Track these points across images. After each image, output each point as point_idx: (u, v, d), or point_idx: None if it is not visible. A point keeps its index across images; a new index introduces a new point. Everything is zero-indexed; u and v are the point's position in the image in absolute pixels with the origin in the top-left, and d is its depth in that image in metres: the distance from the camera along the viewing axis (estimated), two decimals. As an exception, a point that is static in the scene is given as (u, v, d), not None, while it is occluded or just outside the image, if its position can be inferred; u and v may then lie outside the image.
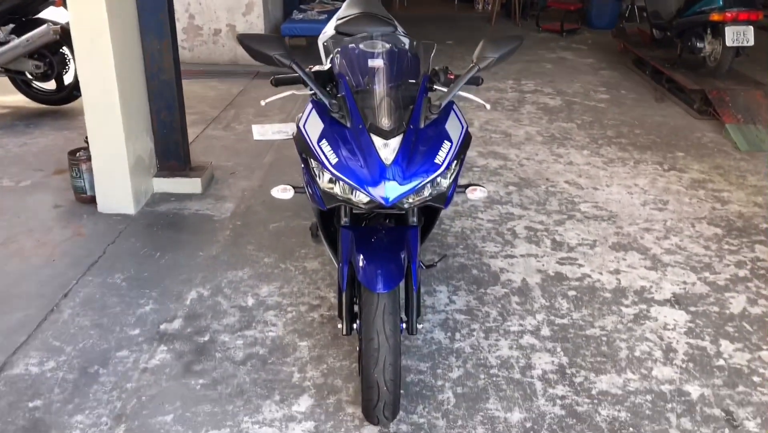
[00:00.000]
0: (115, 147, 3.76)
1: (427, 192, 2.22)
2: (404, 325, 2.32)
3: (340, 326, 2.37)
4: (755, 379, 2.64)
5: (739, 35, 5.85)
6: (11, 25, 5.45)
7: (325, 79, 2.53)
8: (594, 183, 4.44)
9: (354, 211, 2.36)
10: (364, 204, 2.21)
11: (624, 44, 8.01)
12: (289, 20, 7.65)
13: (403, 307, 2.33)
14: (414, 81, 2.50)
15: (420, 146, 2.21)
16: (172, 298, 3.11)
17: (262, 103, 2.58)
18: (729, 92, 5.68)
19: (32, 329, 2.87)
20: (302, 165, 2.39)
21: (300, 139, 2.35)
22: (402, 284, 2.24)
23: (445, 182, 2.26)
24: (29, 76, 5.61)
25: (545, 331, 2.91)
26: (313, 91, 2.36)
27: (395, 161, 2.15)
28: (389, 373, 2.17)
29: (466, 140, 2.37)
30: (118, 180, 3.83)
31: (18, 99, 5.80)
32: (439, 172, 2.20)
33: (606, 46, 8.65)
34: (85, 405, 2.45)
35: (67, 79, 5.60)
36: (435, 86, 2.52)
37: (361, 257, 2.20)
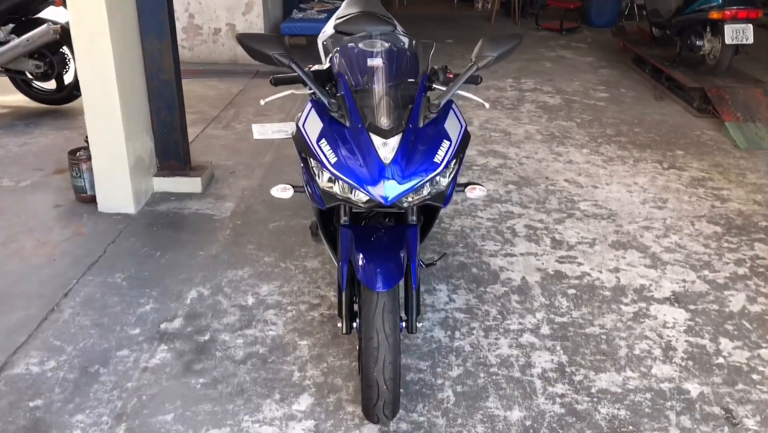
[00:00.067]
0: (115, 147, 3.77)
1: (426, 191, 2.22)
2: (404, 323, 2.33)
3: (339, 324, 2.38)
4: (755, 377, 2.64)
5: (739, 33, 5.86)
6: (11, 25, 5.45)
7: (324, 79, 2.53)
8: (593, 181, 4.44)
9: (353, 210, 2.37)
10: (363, 203, 2.21)
11: (623, 43, 8.01)
12: (288, 19, 7.65)
13: (403, 305, 2.34)
14: (413, 80, 2.51)
15: (419, 145, 2.21)
16: (172, 297, 3.11)
17: (262, 102, 2.58)
18: (728, 90, 5.69)
19: (33, 328, 2.87)
20: (302, 164, 2.39)
21: (299, 138, 2.35)
22: (401, 283, 2.25)
23: (444, 181, 2.26)
24: (29, 76, 5.62)
25: (545, 329, 2.91)
26: (312, 91, 2.36)
27: (394, 160, 2.16)
28: (389, 372, 2.17)
29: (465, 139, 2.37)
30: (118, 180, 3.84)
31: (18, 99, 5.80)
32: (438, 171, 2.20)
33: (605, 44, 8.65)
34: (85, 404, 2.46)
35: (67, 78, 5.60)
36: (434, 85, 2.52)
37: (361, 255, 2.20)
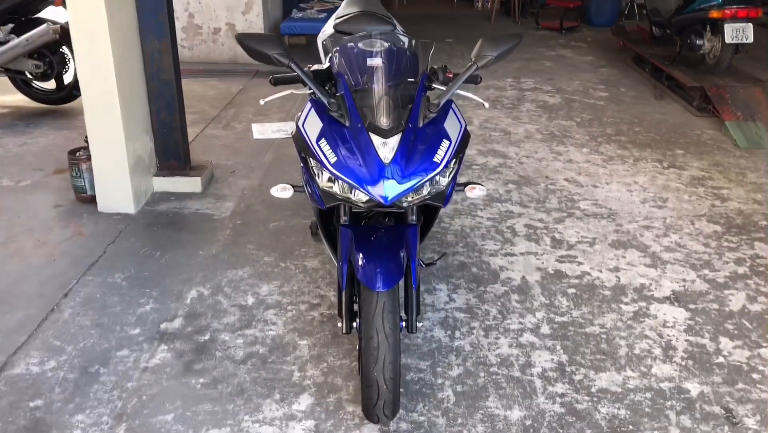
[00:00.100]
0: (115, 147, 3.77)
1: (426, 191, 2.22)
2: (404, 323, 2.33)
3: (339, 324, 2.38)
4: (755, 376, 2.64)
5: (739, 32, 5.85)
6: (11, 25, 5.45)
7: (324, 78, 2.53)
8: (593, 181, 4.44)
9: (353, 210, 2.37)
10: (363, 203, 2.21)
11: (623, 42, 8.01)
12: (288, 19, 7.65)
13: (403, 305, 2.33)
14: (413, 80, 2.50)
15: (419, 145, 2.21)
16: (172, 297, 3.11)
17: (262, 102, 2.58)
18: (728, 89, 5.68)
19: (33, 328, 2.87)
20: (301, 164, 2.39)
21: (299, 138, 2.35)
22: (401, 283, 2.25)
23: (444, 181, 2.26)
24: (29, 76, 5.61)
25: (545, 329, 2.91)
26: (311, 90, 2.36)
27: (394, 160, 2.16)
28: (389, 371, 2.17)
29: (465, 139, 2.37)
30: (118, 179, 3.84)
31: (18, 99, 5.80)
32: (437, 170, 2.20)
33: (605, 43, 8.64)
34: (85, 405, 2.46)
35: (67, 78, 5.60)
36: (434, 85, 2.52)
37: (361, 255, 2.20)
